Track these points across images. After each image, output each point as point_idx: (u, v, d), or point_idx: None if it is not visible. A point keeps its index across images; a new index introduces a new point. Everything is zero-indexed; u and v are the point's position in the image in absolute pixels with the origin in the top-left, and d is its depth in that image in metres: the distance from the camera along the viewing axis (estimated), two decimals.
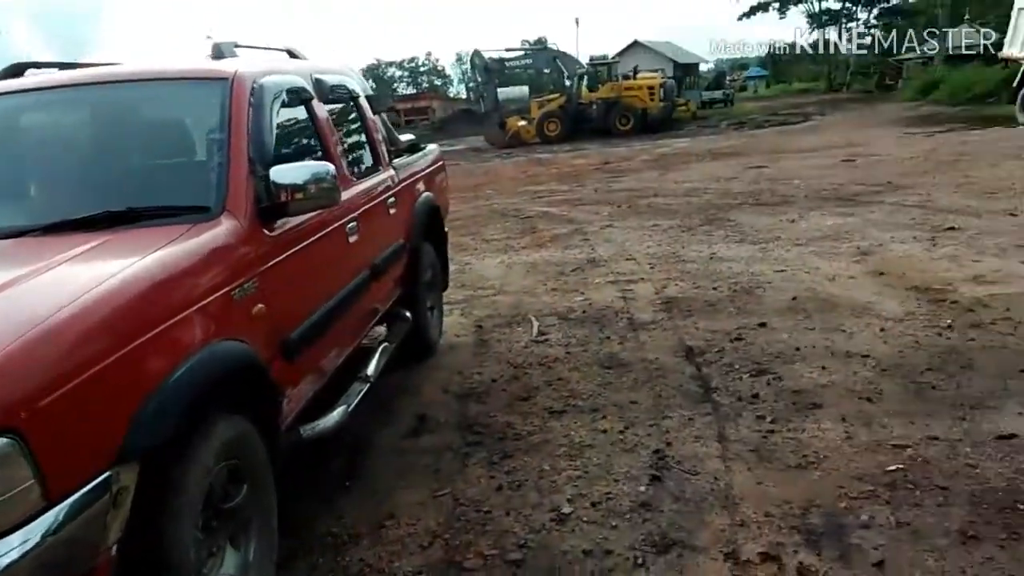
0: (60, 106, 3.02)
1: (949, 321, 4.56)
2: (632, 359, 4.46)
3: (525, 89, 29.85)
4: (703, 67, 57.36)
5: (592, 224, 9.24)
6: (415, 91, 71.68)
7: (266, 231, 2.52)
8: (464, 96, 51.66)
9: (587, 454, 3.33)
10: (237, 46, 3.27)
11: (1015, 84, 17.37)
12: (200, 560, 2.01)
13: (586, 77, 29.40)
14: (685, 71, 50.96)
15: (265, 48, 3.74)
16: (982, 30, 37.93)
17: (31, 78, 3.13)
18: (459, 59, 68.89)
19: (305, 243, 2.76)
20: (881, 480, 2.89)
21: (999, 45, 20.28)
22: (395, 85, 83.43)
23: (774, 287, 5.68)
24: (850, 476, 2.94)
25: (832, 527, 2.63)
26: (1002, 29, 21.36)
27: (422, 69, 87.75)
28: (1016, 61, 17.62)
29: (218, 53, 3.12)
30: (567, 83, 29.61)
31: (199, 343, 2.03)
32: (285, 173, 2.52)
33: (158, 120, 2.94)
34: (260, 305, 2.37)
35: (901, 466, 2.97)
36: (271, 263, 2.49)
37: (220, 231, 2.34)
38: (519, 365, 4.55)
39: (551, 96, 29.68)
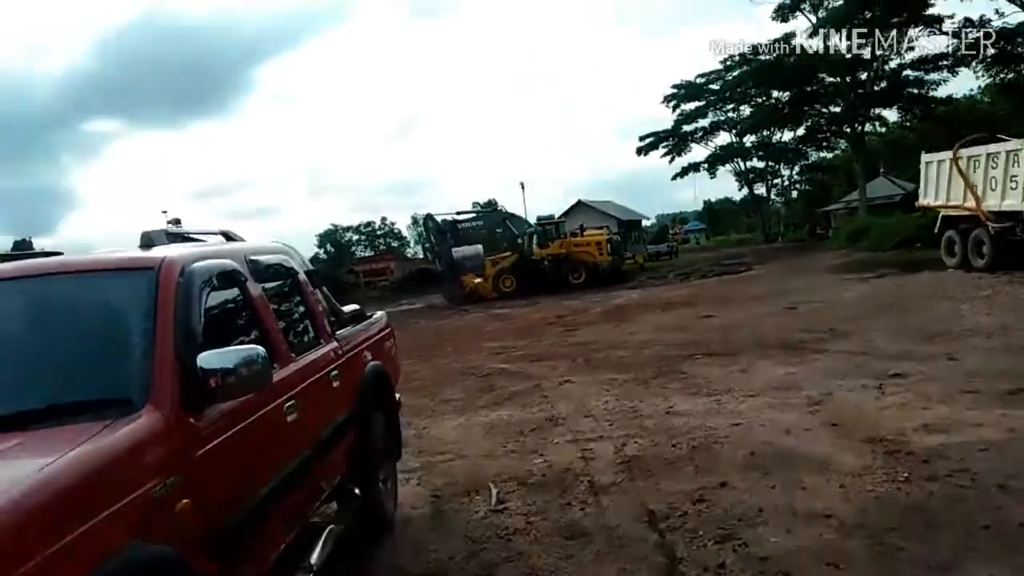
0: None
1: (906, 474, 4.52)
2: (594, 527, 4.29)
3: (479, 247, 30.78)
4: (645, 222, 60.37)
5: (550, 379, 9.21)
6: (373, 253, 73.29)
7: (193, 420, 2.42)
8: (421, 256, 53.04)
9: None
10: (168, 233, 3.29)
11: (936, 230, 18.53)
12: None
13: (535, 235, 30.58)
14: (629, 227, 53.58)
15: (201, 232, 3.78)
16: (896, 181, 41.19)
17: None
18: (414, 221, 71.31)
19: (236, 428, 2.65)
20: None
21: (915, 195, 21.80)
22: (353, 248, 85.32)
23: (731, 442, 5.63)
24: None
25: None
26: (915, 180, 23.07)
27: (379, 232, 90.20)
28: (932, 209, 18.90)
29: (147, 241, 3.13)
30: (518, 241, 30.70)
31: (115, 547, 1.87)
32: (213, 359, 2.46)
33: (83, 312, 2.84)
34: (185, 500, 2.22)
35: None
36: (198, 454, 2.38)
37: (141, 425, 2.23)
38: (477, 539, 4.33)
39: (504, 254, 30.63)
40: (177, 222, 3.98)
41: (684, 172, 53.33)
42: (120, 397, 2.34)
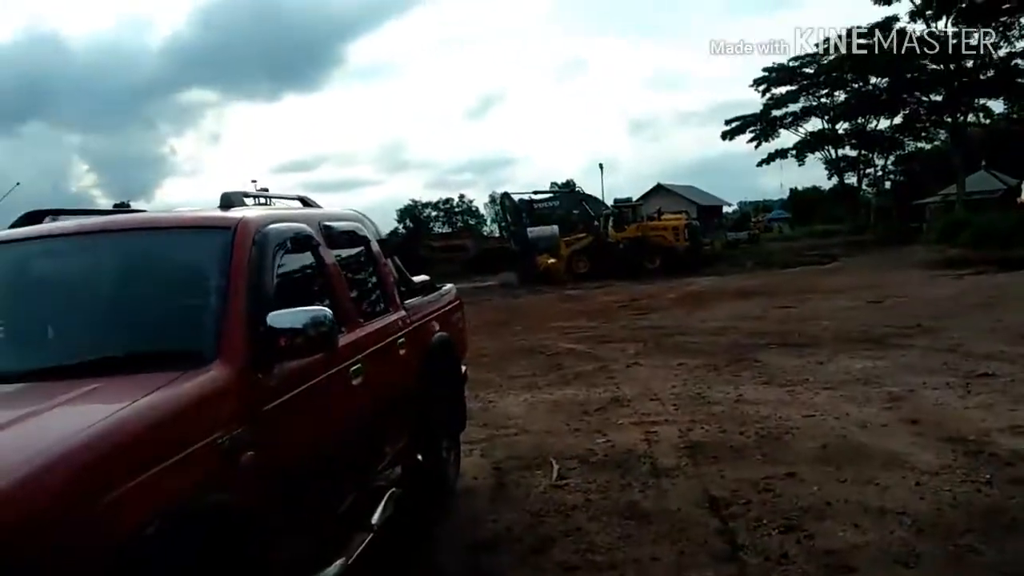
0: (67, 253, 3.10)
1: (988, 476, 4.30)
2: (654, 509, 4.25)
3: (555, 228, 30.74)
4: (726, 209, 58.81)
5: (618, 362, 9.15)
6: (450, 230, 74.05)
7: (260, 376, 2.50)
8: (497, 235, 53.32)
9: None
10: (246, 195, 3.39)
11: None
12: None
13: (612, 218, 30.27)
14: (708, 213, 52.31)
15: (279, 196, 3.89)
16: (999, 175, 38.77)
17: (45, 225, 3.25)
18: (492, 200, 71.55)
19: (303, 387, 2.72)
20: None
21: (1018, 190, 20.53)
22: (432, 224, 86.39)
23: (803, 433, 5.46)
24: None
25: None
26: (1019, 174, 21.71)
27: (456, 209, 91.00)
28: None
29: (226, 202, 3.22)
30: (595, 223, 30.46)
31: (181, 493, 1.96)
32: (282, 319, 2.52)
33: (160, 267, 3.00)
34: (250, 453, 2.30)
35: None
36: (264, 409, 2.45)
37: (210, 378, 2.32)
38: (536, 513, 4.35)
39: (579, 235, 30.47)
40: (265, 191, 4.12)
41: (771, 158, 51.70)
42: (192, 350, 2.44)
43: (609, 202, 33.29)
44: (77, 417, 1.99)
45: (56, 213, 3.36)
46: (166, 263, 3.00)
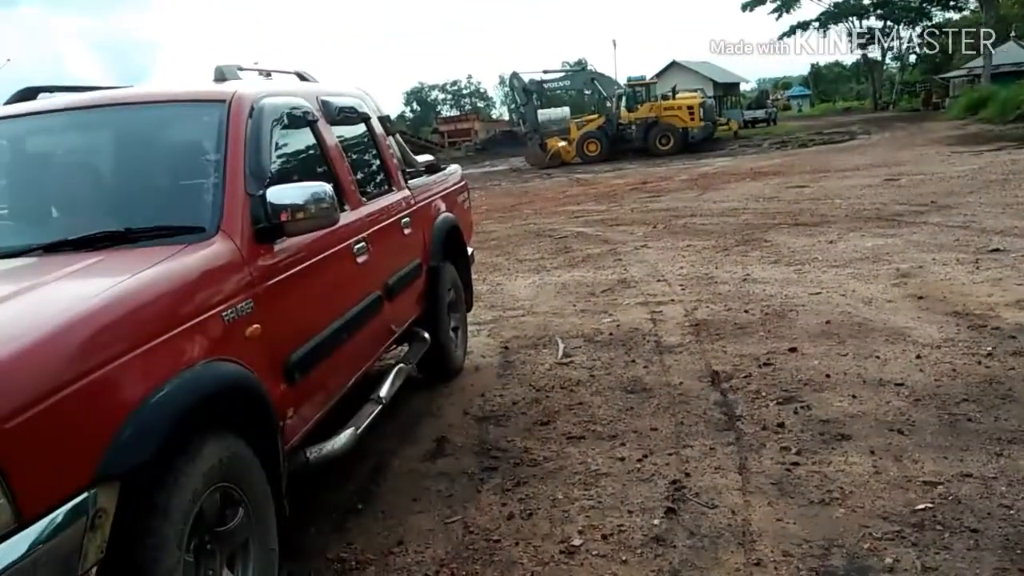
0: (62, 129, 3.07)
1: (990, 348, 4.34)
2: (656, 384, 4.35)
3: (566, 110, 30.02)
4: (744, 86, 56.81)
5: (626, 244, 9.14)
6: (458, 113, 72.42)
7: (263, 251, 2.51)
8: (506, 118, 52.10)
9: (602, 483, 3.23)
10: (242, 69, 3.29)
11: None
12: None
13: (624, 97, 29.39)
14: (725, 90, 50.57)
15: (274, 71, 3.76)
16: None
17: (39, 102, 3.19)
18: (501, 81, 69.52)
19: (306, 264, 2.73)
20: (909, 520, 2.72)
21: None
22: (438, 107, 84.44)
23: (807, 310, 5.50)
24: (876, 514, 2.77)
25: (854, 570, 2.48)
26: None
27: (464, 91, 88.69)
28: None
29: (219, 75, 3.14)
30: (606, 104, 29.63)
31: (186, 363, 2.00)
32: (282, 193, 2.51)
33: (157, 141, 2.96)
34: (255, 326, 2.34)
35: (930, 505, 2.80)
36: (268, 283, 2.47)
37: (213, 251, 2.32)
38: (542, 388, 4.47)
39: (590, 117, 29.71)
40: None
41: (792, 31, 49.41)
42: (193, 224, 2.43)
43: (622, 81, 32.06)
44: (84, 287, 2.01)
45: (49, 90, 3.29)
46: (162, 137, 2.96)
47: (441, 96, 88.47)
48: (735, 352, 4.75)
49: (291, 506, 2.49)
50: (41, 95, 3.22)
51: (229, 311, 2.24)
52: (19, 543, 1.49)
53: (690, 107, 28.53)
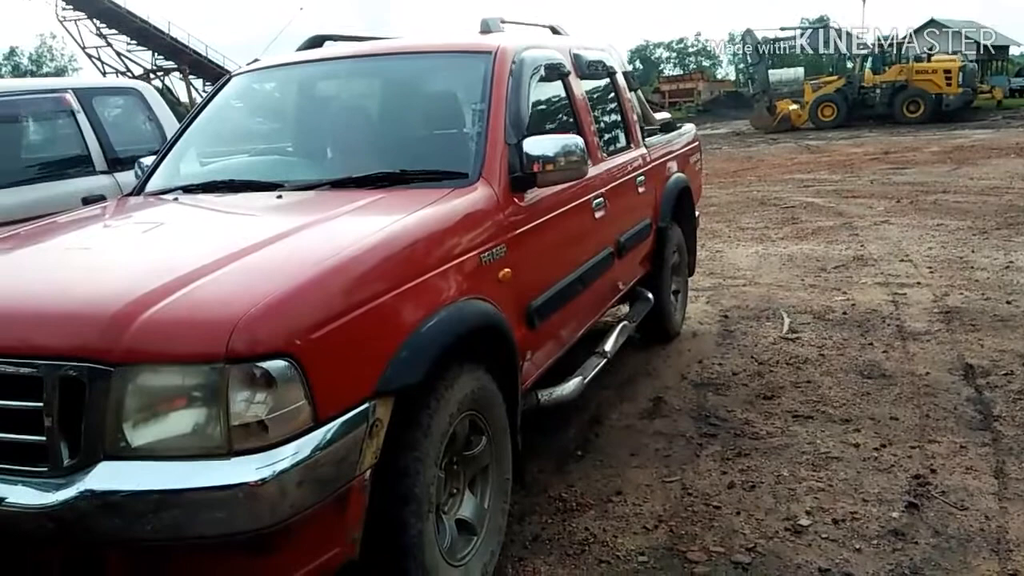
0: (347, 75, 3.36)
1: None
2: (897, 371, 4.02)
3: (800, 71, 27.85)
4: (1015, 50, 49.29)
5: (864, 219, 8.44)
6: (682, 72, 70.11)
7: (517, 200, 2.61)
8: (732, 78, 49.62)
9: (833, 467, 3.06)
10: (504, 22, 3.40)
11: None
12: (440, 497, 2.15)
13: (870, 58, 26.69)
14: (992, 54, 44.17)
15: (529, 24, 3.85)
16: None
17: (327, 49, 3.52)
18: (731, 39, 66.10)
19: (553, 214, 2.81)
20: None
21: None
22: (662, 66, 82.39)
23: None
24: None
25: None
26: None
27: (690, 50, 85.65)
28: None
29: (485, 28, 3.27)
30: (848, 64, 27.10)
31: (451, 298, 2.15)
32: (537, 144, 2.58)
33: (429, 90, 3.17)
34: (507, 270, 2.46)
35: None
36: (519, 231, 2.57)
37: (476, 196, 2.46)
38: (764, 361, 4.30)
39: (829, 78, 27.37)
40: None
41: None
42: (458, 170, 2.59)
43: (869, 40, 29.09)
44: (373, 221, 2.23)
45: (334, 38, 3.63)
46: (432, 86, 3.18)
47: (666, 55, 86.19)
48: (994, 346, 4.25)
49: (520, 443, 2.63)
50: (327, 43, 3.57)
51: (487, 254, 2.37)
52: (312, 440, 1.69)
53: (947, 71, 25.22)
